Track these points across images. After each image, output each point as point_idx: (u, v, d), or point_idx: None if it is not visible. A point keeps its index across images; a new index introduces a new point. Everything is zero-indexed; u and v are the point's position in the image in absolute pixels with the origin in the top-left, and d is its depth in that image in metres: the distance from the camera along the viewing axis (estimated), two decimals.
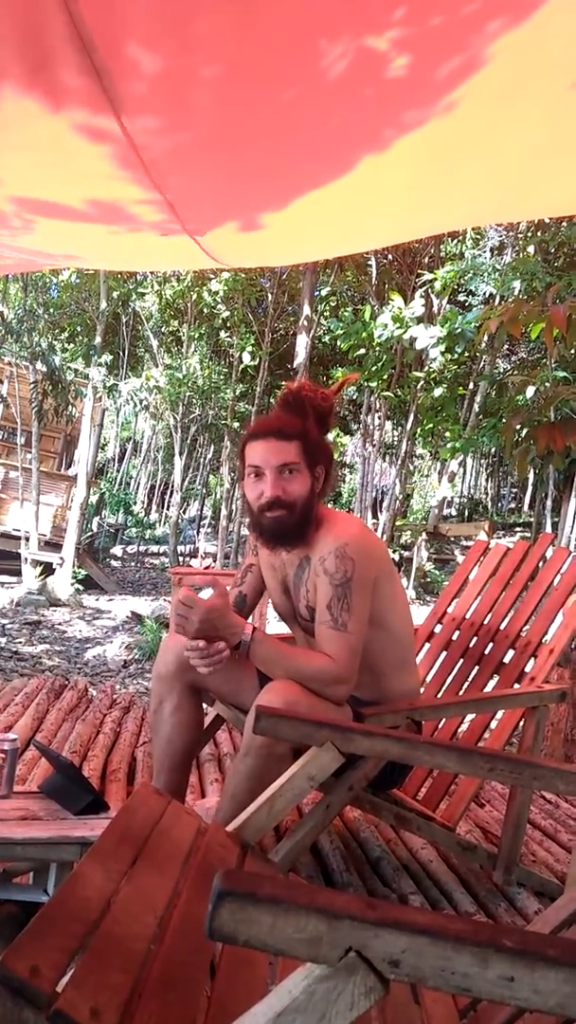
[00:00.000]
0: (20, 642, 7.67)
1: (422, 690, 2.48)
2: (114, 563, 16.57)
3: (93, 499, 15.88)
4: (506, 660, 2.31)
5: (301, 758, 1.48)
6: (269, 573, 2.04)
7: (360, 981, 0.68)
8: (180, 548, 16.05)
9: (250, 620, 1.96)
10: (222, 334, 13.92)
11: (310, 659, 1.78)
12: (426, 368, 10.73)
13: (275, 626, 5.29)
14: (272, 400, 15.03)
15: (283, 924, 0.67)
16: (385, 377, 10.93)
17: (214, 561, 14.02)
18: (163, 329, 15.19)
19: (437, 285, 10.36)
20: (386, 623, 1.91)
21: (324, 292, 13.89)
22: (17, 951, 0.81)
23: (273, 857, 1.56)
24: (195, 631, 1.73)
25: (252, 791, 1.58)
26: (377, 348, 10.31)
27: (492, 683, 2.33)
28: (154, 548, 18.78)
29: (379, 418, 13.84)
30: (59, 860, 1.58)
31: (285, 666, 1.76)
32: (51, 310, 13.72)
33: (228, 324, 13.52)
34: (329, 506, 2.00)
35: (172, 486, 17.29)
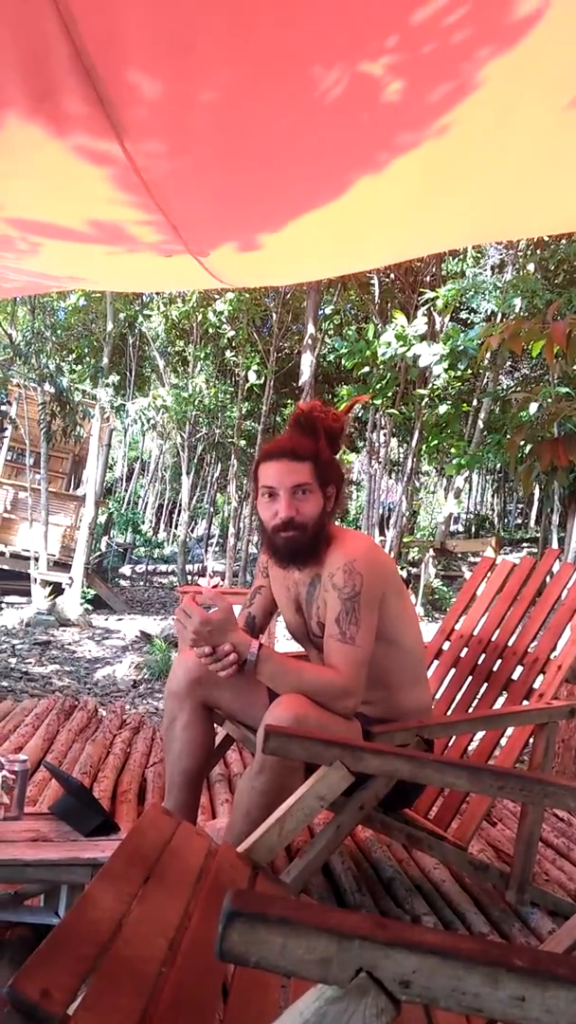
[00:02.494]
0: (30, 662, 7.67)
1: (432, 707, 2.47)
2: (123, 583, 16.58)
3: (101, 519, 15.92)
4: (514, 677, 2.30)
5: (311, 778, 1.48)
6: (282, 593, 2.05)
7: (371, 1002, 0.67)
8: (188, 567, 16.04)
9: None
10: (227, 354, 13.99)
11: (316, 673, 1.79)
12: (430, 385, 10.77)
13: (283, 645, 5.27)
14: (278, 419, 15.11)
15: (293, 945, 0.67)
16: (390, 395, 10.96)
17: (222, 580, 14.02)
18: (169, 349, 15.28)
19: (439, 303, 10.42)
20: (397, 639, 1.92)
21: (328, 311, 13.97)
22: (28, 973, 0.81)
23: (284, 878, 1.55)
24: (191, 641, 1.77)
25: (268, 807, 1.58)
26: (381, 366, 10.36)
27: (501, 700, 2.32)
28: (162, 567, 18.77)
29: (384, 435, 13.85)
30: (70, 882, 1.58)
31: (292, 681, 1.77)
32: (58, 332, 13.84)
33: (233, 344, 13.60)
34: (337, 524, 2.02)
35: (180, 505, 17.33)
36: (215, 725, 2.14)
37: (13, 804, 1.72)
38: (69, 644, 8.94)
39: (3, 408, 11.19)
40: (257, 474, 1.91)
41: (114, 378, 12.52)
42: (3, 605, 11.06)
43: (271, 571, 2.09)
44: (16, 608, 10.73)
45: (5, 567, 12.45)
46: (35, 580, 11.12)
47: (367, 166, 1.69)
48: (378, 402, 11.02)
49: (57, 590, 11.23)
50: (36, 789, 2.54)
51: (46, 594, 10.80)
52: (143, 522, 22.26)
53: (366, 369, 10.57)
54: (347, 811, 1.63)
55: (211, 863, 1.31)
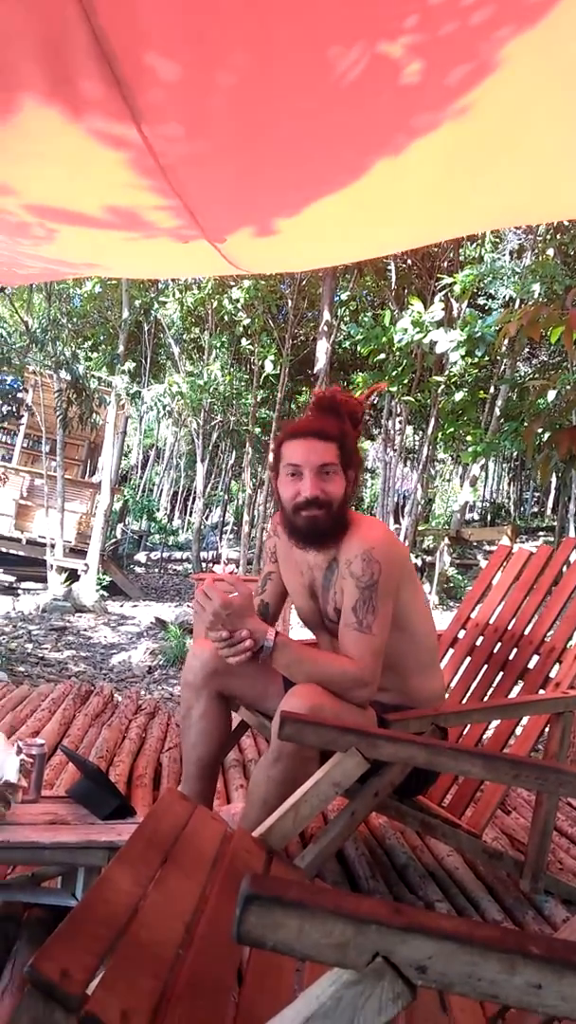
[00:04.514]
0: (46, 648, 7.73)
1: (447, 696, 2.46)
2: (138, 569, 16.65)
3: (117, 506, 15.95)
4: (530, 666, 2.29)
5: (326, 764, 1.48)
6: (294, 578, 2.04)
7: (387, 987, 0.68)
8: (203, 554, 16.08)
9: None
10: (243, 341, 13.95)
11: (332, 662, 1.79)
12: (446, 372, 10.69)
13: (298, 632, 5.27)
14: (293, 406, 15.06)
15: (310, 929, 0.67)
16: (406, 382, 10.89)
17: (237, 567, 14.04)
18: (184, 337, 15.26)
19: (456, 289, 10.31)
20: (410, 626, 1.92)
21: (344, 297, 13.88)
22: (48, 954, 0.82)
23: (299, 863, 1.56)
24: (209, 623, 1.77)
25: (283, 796, 1.58)
26: (397, 353, 10.28)
27: (517, 689, 2.31)
28: (177, 554, 18.82)
29: (400, 423, 13.80)
30: (87, 864, 1.59)
31: (307, 670, 1.77)
32: (74, 319, 13.84)
33: (249, 331, 13.55)
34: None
35: (194, 492, 17.35)
36: (231, 712, 2.15)
37: (31, 787, 1.74)
38: (85, 630, 9.00)
39: (19, 395, 11.22)
40: (280, 452, 1.91)
41: (130, 365, 12.54)
42: (19, 591, 11.14)
43: (281, 556, 2.08)
44: (32, 594, 10.80)
45: (22, 553, 12.53)
46: (51, 566, 11.19)
47: (385, 149, 1.67)
48: (394, 389, 10.96)
49: (73, 576, 11.29)
50: (53, 773, 2.56)
51: (62, 580, 10.86)
52: (158, 509, 22.29)
53: (382, 356, 10.49)
54: (361, 798, 1.64)
55: (226, 847, 1.32)
